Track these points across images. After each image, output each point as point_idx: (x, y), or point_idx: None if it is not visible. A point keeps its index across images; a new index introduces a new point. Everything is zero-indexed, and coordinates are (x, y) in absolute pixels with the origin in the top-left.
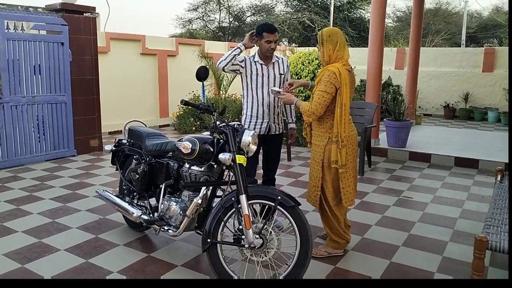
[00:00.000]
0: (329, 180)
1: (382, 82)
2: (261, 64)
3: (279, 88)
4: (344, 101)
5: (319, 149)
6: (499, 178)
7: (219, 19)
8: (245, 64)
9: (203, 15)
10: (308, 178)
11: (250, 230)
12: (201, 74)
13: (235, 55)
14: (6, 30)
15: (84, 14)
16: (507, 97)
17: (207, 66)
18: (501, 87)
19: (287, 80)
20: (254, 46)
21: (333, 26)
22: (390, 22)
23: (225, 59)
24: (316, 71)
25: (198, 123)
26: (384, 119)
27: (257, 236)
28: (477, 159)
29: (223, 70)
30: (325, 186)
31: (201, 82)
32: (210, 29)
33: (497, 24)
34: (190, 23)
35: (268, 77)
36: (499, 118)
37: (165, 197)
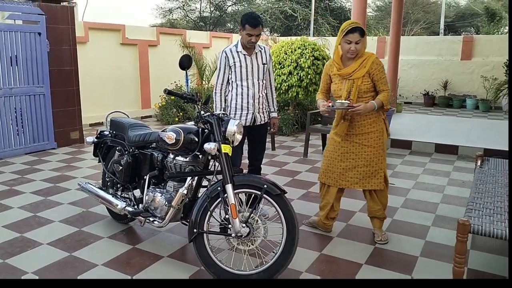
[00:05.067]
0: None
1: None
2: (244, 54)
3: (344, 100)
4: None
5: (377, 134)
6: (479, 163)
7: (200, 9)
8: (228, 60)
9: (183, 5)
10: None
11: (237, 219)
12: (185, 63)
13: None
14: None
15: (61, 3)
16: (485, 84)
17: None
18: (478, 75)
19: (268, 70)
20: None
21: (314, 15)
22: (370, 12)
23: (219, 103)
24: (299, 60)
25: (181, 113)
26: None
27: (244, 225)
28: (456, 145)
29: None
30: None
31: (185, 71)
32: (191, 19)
33: (474, 13)
34: (171, 12)
35: (252, 68)
36: (477, 105)
37: (150, 188)
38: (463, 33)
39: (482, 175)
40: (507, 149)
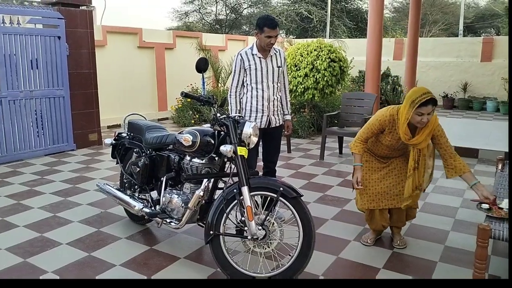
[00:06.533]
0: None
1: (381, 72)
2: (259, 57)
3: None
4: None
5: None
6: (499, 167)
7: (216, 12)
8: (243, 63)
9: (199, 8)
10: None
11: (253, 221)
12: (201, 66)
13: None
14: (2, 24)
15: (80, 7)
16: (506, 86)
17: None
18: (499, 77)
19: (283, 73)
20: None
21: (330, 17)
22: (388, 13)
23: (234, 105)
24: (315, 62)
25: (197, 116)
26: None
27: (260, 227)
28: (477, 149)
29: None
30: None
31: (201, 74)
32: (207, 21)
33: (494, 14)
34: (187, 16)
35: (267, 71)
36: (498, 108)
37: (167, 189)
38: (483, 34)
39: (502, 179)
40: None
